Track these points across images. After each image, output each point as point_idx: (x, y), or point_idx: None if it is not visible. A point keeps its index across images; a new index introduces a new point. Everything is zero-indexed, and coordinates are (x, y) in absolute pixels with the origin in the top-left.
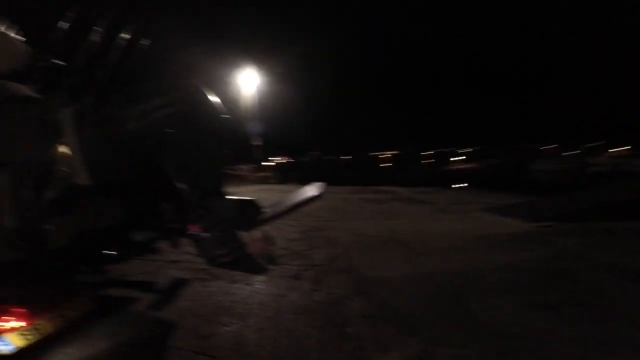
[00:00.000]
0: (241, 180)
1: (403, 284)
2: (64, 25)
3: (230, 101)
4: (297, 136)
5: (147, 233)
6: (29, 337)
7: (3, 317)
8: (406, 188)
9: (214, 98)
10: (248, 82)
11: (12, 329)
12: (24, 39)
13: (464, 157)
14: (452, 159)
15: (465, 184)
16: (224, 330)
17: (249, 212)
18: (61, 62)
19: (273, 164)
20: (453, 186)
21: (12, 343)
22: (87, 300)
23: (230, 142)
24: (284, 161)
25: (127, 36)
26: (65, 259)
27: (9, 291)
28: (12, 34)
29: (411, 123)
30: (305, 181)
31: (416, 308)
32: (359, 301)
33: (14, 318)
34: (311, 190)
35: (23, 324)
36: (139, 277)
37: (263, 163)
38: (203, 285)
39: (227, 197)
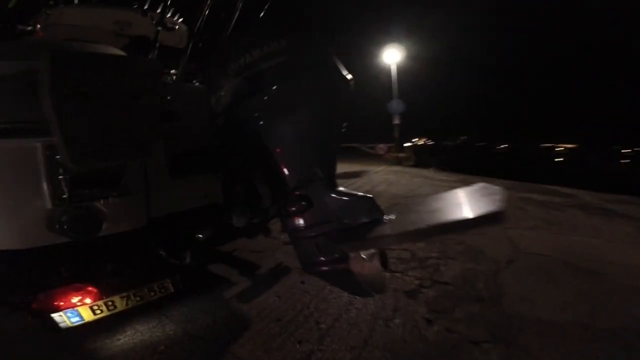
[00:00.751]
0: (376, 158)
1: (573, 339)
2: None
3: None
4: (443, 118)
5: (242, 218)
6: (98, 312)
7: (73, 293)
8: (591, 192)
9: (336, 60)
10: (389, 60)
11: (82, 303)
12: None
13: None
14: None
15: None
16: (293, 347)
17: (362, 215)
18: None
19: (412, 144)
20: None
21: (81, 316)
22: (170, 281)
23: (347, 116)
24: (424, 143)
25: None
26: (151, 240)
27: (82, 268)
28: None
29: (597, 113)
30: (446, 167)
31: None
32: (494, 353)
33: (83, 294)
34: (477, 199)
35: (90, 300)
36: (237, 258)
37: (404, 144)
38: (300, 280)
39: (337, 189)
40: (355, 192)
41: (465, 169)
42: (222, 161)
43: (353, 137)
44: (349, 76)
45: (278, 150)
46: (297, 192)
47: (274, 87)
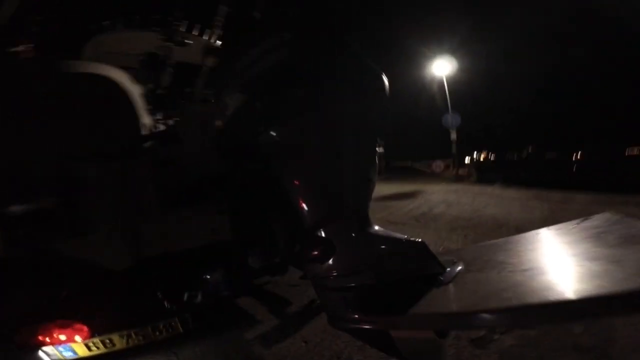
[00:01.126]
0: (432, 177)
1: None
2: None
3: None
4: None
5: (257, 258)
6: (94, 348)
7: (58, 330)
8: None
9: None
10: (441, 72)
11: (72, 340)
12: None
13: None
14: None
15: None
16: None
17: (409, 268)
18: None
19: (471, 160)
20: None
21: (75, 351)
22: (179, 320)
23: (381, 130)
24: (486, 157)
25: None
26: (147, 280)
27: (79, 304)
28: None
29: None
30: (513, 182)
31: None
32: None
33: (70, 331)
34: (605, 242)
35: (81, 337)
36: (267, 292)
37: (465, 159)
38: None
39: (371, 230)
40: (398, 235)
41: (536, 182)
42: (230, 192)
43: (406, 154)
44: (384, 78)
45: (296, 181)
46: (317, 234)
47: (287, 96)
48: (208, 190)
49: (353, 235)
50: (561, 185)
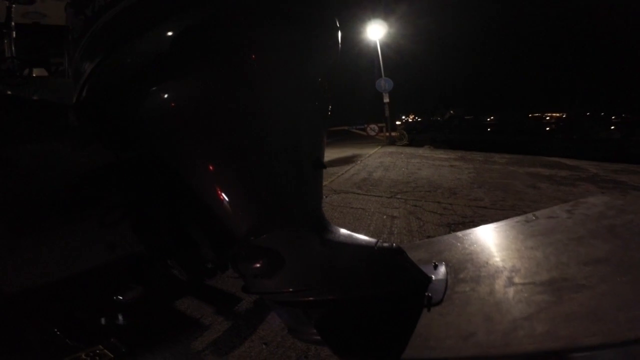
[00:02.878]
0: (368, 140)
1: None
2: None
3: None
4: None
5: (183, 270)
6: None
7: None
8: (593, 163)
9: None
10: (373, 36)
11: None
12: None
13: None
14: None
15: None
16: None
17: (385, 284)
18: None
19: (403, 123)
20: None
21: None
22: (105, 347)
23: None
24: (414, 120)
25: None
26: (53, 311)
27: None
28: None
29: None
30: (440, 143)
31: None
32: None
33: None
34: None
35: None
36: (210, 290)
37: (396, 122)
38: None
39: (330, 233)
40: (364, 239)
41: (460, 144)
42: (124, 193)
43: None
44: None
45: (211, 167)
46: (256, 243)
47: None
48: (84, 195)
49: (307, 242)
50: (481, 147)
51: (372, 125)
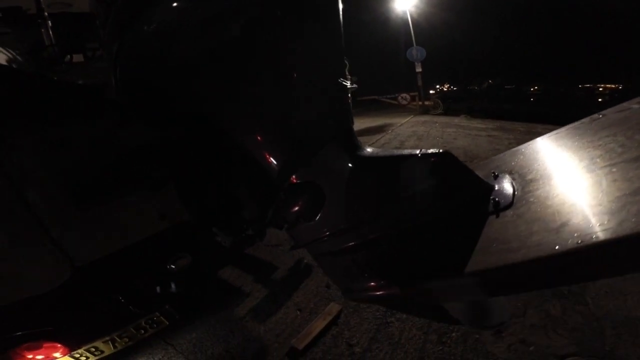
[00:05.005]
0: (400, 109)
1: None
2: None
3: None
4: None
5: (226, 235)
6: (83, 358)
7: (28, 353)
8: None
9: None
10: (404, 5)
11: (52, 357)
12: None
13: None
14: None
15: None
16: None
17: (436, 200)
18: None
19: (436, 92)
20: None
21: None
22: (160, 314)
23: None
24: (449, 89)
25: None
26: (112, 281)
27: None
28: None
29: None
30: (478, 113)
31: None
32: None
33: (44, 351)
34: None
35: (60, 353)
36: (250, 258)
37: (430, 91)
38: (324, 284)
39: (367, 151)
40: (405, 151)
41: (499, 113)
42: (171, 165)
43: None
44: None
45: (248, 112)
46: (292, 180)
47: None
48: (138, 169)
49: (342, 164)
50: (523, 118)
51: (404, 94)
